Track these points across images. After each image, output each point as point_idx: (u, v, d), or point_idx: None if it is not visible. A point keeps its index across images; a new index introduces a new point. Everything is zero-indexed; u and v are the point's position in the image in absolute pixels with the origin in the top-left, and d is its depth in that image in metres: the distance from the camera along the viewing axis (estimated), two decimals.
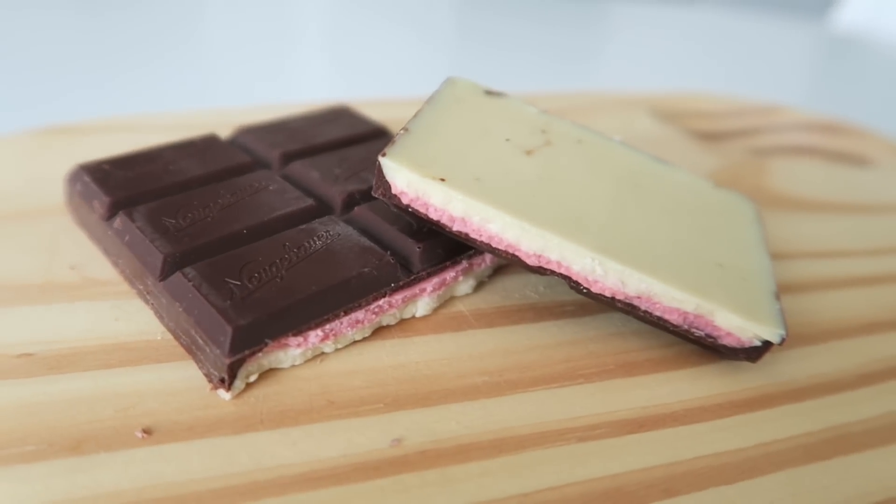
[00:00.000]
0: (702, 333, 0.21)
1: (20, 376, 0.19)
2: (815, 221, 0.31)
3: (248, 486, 0.17)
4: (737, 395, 0.21)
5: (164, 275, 0.21)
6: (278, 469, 0.17)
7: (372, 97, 0.38)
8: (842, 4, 0.78)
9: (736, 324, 0.21)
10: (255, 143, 0.29)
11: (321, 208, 0.25)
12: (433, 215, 0.21)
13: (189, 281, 0.20)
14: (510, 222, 0.21)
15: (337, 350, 0.21)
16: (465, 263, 0.23)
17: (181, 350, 0.20)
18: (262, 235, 0.23)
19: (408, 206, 0.22)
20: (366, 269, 0.21)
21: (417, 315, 0.23)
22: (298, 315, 0.20)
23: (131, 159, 0.26)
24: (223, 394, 0.19)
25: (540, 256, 0.21)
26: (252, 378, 0.19)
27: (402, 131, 0.23)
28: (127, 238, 0.22)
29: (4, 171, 0.29)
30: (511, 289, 0.25)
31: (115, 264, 0.24)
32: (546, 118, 0.27)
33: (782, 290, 0.26)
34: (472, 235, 0.21)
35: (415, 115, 0.24)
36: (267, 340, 0.19)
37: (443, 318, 0.23)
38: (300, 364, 0.20)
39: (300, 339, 0.20)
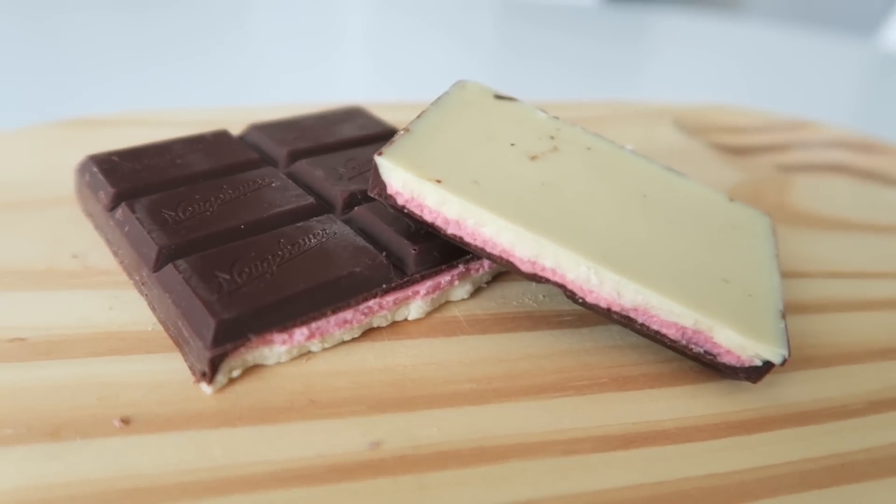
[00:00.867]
0: (700, 350, 0.20)
1: (9, 360, 0.19)
2: (837, 240, 0.30)
3: (219, 481, 0.17)
4: (734, 415, 0.20)
5: (158, 266, 0.21)
6: (251, 466, 0.17)
7: (398, 100, 0.38)
8: (892, 23, 0.76)
9: (736, 341, 0.20)
10: (264, 141, 0.29)
11: (322, 207, 0.24)
12: (428, 217, 0.21)
13: (180, 273, 0.20)
14: (504, 226, 0.20)
15: (324, 350, 0.21)
16: (461, 268, 0.23)
17: (170, 342, 0.20)
18: (259, 231, 0.23)
19: (403, 206, 0.21)
20: (357, 269, 0.21)
21: (410, 318, 0.22)
22: (284, 312, 0.20)
23: (140, 152, 0.27)
24: (205, 387, 0.19)
25: (534, 263, 0.21)
26: (235, 373, 0.19)
27: (402, 131, 0.23)
28: (126, 229, 0.23)
29: (21, 161, 0.30)
30: (509, 296, 0.24)
31: (116, 254, 0.24)
32: (557, 124, 0.27)
33: (795, 310, 0.25)
34: (467, 239, 0.21)
35: (418, 116, 0.24)
36: (250, 335, 0.19)
37: (436, 323, 0.23)
38: (285, 362, 0.20)
39: (285, 335, 0.20)
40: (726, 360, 0.20)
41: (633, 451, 0.19)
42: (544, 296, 0.24)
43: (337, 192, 0.25)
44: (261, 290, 0.20)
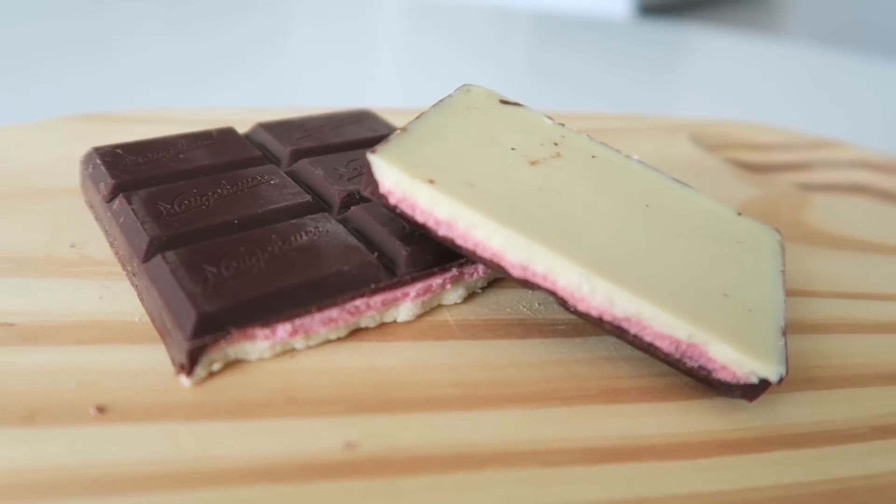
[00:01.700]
0: (695, 365, 0.20)
1: None
2: (851, 260, 0.29)
3: (187, 474, 0.16)
4: (727, 434, 0.19)
5: (148, 257, 0.21)
6: (222, 461, 0.17)
7: (412, 106, 0.38)
8: None
9: (732, 357, 0.19)
10: (269, 139, 0.29)
11: (319, 206, 0.24)
12: (419, 218, 0.21)
13: (167, 264, 0.20)
14: (495, 229, 0.20)
15: (308, 348, 0.21)
16: (454, 271, 0.23)
17: (156, 334, 0.20)
18: (252, 227, 0.22)
19: (395, 206, 0.21)
20: (345, 268, 0.21)
21: (399, 320, 0.22)
22: (267, 307, 0.19)
23: (145, 145, 0.27)
24: (183, 380, 0.19)
25: (526, 268, 0.20)
26: (216, 367, 0.19)
27: (399, 130, 0.22)
28: (122, 219, 0.23)
29: (32, 152, 0.30)
30: (503, 303, 0.24)
31: (112, 246, 0.24)
32: (562, 131, 0.26)
33: (802, 329, 0.24)
34: (458, 241, 0.21)
35: (418, 116, 0.23)
36: (231, 329, 0.19)
37: (426, 326, 0.22)
38: (268, 358, 0.20)
39: (267, 331, 0.19)
40: (721, 376, 0.20)
41: (617, 465, 0.18)
42: (539, 304, 0.24)
43: (335, 192, 0.25)
44: (245, 285, 0.20)
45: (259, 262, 0.20)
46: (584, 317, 0.20)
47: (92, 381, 0.19)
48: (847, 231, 0.32)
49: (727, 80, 0.62)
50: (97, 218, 0.25)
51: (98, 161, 0.25)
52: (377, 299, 0.21)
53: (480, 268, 0.23)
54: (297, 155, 0.28)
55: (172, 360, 0.19)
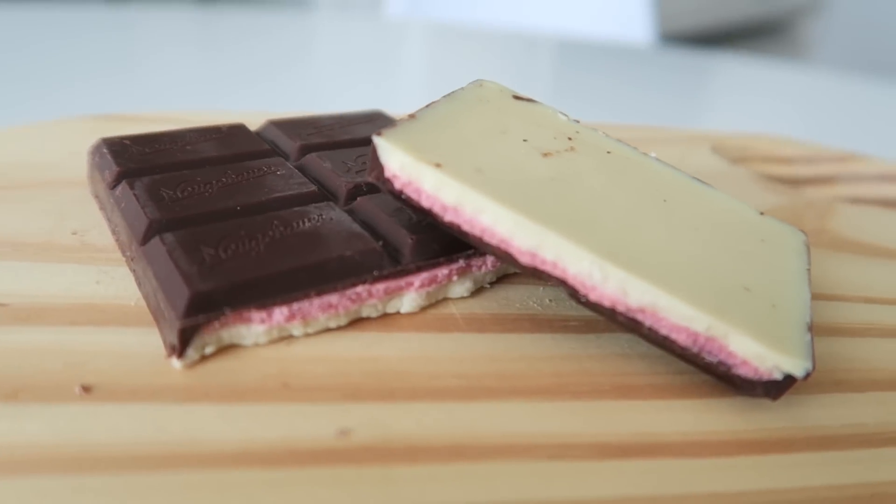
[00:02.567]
0: (714, 360, 0.19)
1: None
2: (880, 267, 0.28)
3: (172, 456, 0.15)
4: (748, 434, 0.18)
5: (146, 239, 0.21)
6: (208, 444, 0.16)
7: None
8: None
9: (753, 350, 0.18)
10: (279, 135, 0.28)
11: (324, 196, 0.24)
12: (425, 203, 0.20)
13: (165, 245, 0.19)
14: (503, 214, 0.19)
15: (307, 335, 0.20)
16: (461, 262, 0.22)
17: (150, 318, 0.20)
18: (254, 213, 0.22)
19: (400, 191, 0.20)
20: (347, 253, 0.20)
21: (402, 311, 0.21)
22: (264, 289, 0.19)
23: (153, 138, 0.26)
24: (174, 362, 0.18)
25: (534, 255, 0.19)
26: (208, 350, 0.18)
27: (407, 117, 0.22)
28: (123, 204, 0.22)
29: (46, 147, 0.30)
30: (513, 298, 0.23)
31: (114, 233, 0.23)
32: (577, 127, 0.25)
33: (829, 332, 0.23)
34: (465, 227, 0.20)
35: (427, 105, 0.23)
36: (226, 310, 0.18)
37: (430, 318, 0.21)
38: (264, 344, 0.19)
39: (264, 314, 0.19)
40: (742, 371, 0.18)
41: (629, 461, 0.17)
42: (550, 300, 0.23)
43: (341, 183, 0.24)
44: (243, 266, 0.19)
45: (258, 246, 0.20)
46: (596, 308, 0.19)
47: (80, 361, 0.18)
48: (874, 239, 0.30)
49: (748, 104, 0.61)
50: (101, 207, 0.25)
51: (105, 150, 0.25)
52: (379, 287, 0.20)
53: (489, 261, 0.23)
54: (305, 150, 0.27)
55: (165, 342, 0.18)
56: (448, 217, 0.20)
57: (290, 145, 0.28)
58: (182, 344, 0.18)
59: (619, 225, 0.20)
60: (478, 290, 0.23)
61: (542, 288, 0.23)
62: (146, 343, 0.19)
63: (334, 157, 0.26)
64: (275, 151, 0.27)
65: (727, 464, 0.17)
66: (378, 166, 0.20)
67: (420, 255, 0.21)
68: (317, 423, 0.17)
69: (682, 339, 0.19)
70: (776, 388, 0.18)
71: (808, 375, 0.18)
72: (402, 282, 0.21)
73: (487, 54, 0.67)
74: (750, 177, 0.37)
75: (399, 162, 0.20)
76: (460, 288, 0.22)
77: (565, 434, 0.17)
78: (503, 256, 0.20)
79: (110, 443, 0.16)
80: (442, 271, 0.21)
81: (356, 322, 0.21)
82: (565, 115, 0.26)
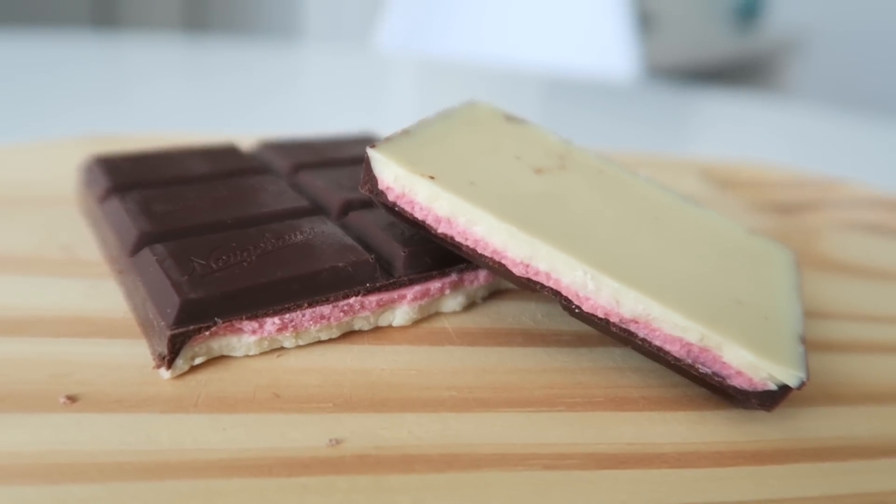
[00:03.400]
0: (708, 371, 0.19)
1: None
2: (868, 287, 0.28)
3: (158, 465, 0.15)
4: (744, 445, 0.18)
5: (136, 251, 0.20)
6: (196, 453, 0.16)
7: None
8: None
9: (747, 360, 0.18)
10: (271, 155, 0.29)
11: (316, 211, 0.24)
12: (418, 214, 0.20)
13: (155, 255, 0.19)
14: (497, 225, 0.19)
15: (298, 347, 0.19)
16: (454, 276, 0.22)
17: (138, 330, 0.19)
18: (246, 227, 0.22)
19: (394, 203, 0.20)
20: (340, 264, 0.20)
21: (395, 324, 0.21)
22: (256, 299, 0.18)
23: (145, 156, 0.26)
24: (163, 372, 0.18)
25: (528, 266, 0.19)
26: (198, 360, 0.18)
27: (401, 132, 0.22)
28: (113, 218, 0.22)
29: (39, 166, 0.30)
30: (505, 313, 0.23)
31: (103, 247, 0.23)
32: (568, 147, 0.26)
33: (820, 348, 0.23)
34: (458, 239, 0.20)
35: (420, 121, 0.23)
36: (217, 320, 0.18)
37: (422, 332, 0.21)
38: (255, 355, 0.19)
39: (255, 324, 0.18)
40: (736, 382, 0.18)
41: (625, 471, 0.16)
42: (543, 315, 0.23)
43: (334, 198, 0.24)
44: (234, 276, 0.19)
45: (250, 257, 0.20)
46: (590, 319, 0.19)
47: (66, 371, 0.18)
48: (861, 261, 0.31)
49: (732, 137, 0.62)
50: (92, 223, 0.25)
51: (96, 166, 0.25)
52: (372, 299, 0.20)
53: (481, 275, 0.22)
54: (298, 168, 0.27)
55: (153, 352, 0.18)
56: (441, 229, 0.20)
57: (282, 164, 0.28)
58: (171, 353, 0.17)
59: (611, 238, 0.20)
60: (470, 305, 0.23)
61: (534, 303, 0.23)
62: (133, 354, 0.18)
63: (326, 174, 0.26)
64: (267, 169, 0.27)
65: (723, 474, 0.17)
66: (371, 178, 0.20)
67: (413, 268, 0.21)
68: (308, 433, 0.16)
69: (675, 349, 0.19)
70: (771, 399, 0.18)
71: (802, 385, 0.18)
72: (394, 294, 0.21)
73: (475, 89, 0.68)
74: (737, 202, 0.37)
75: (392, 174, 0.20)
76: (453, 302, 0.22)
77: (560, 444, 0.17)
78: (496, 268, 0.20)
79: (95, 451, 0.15)
80: (434, 285, 0.21)
81: (348, 335, 0.20)
82: (557, 135, 0.26)
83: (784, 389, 0.18)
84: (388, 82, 0.69)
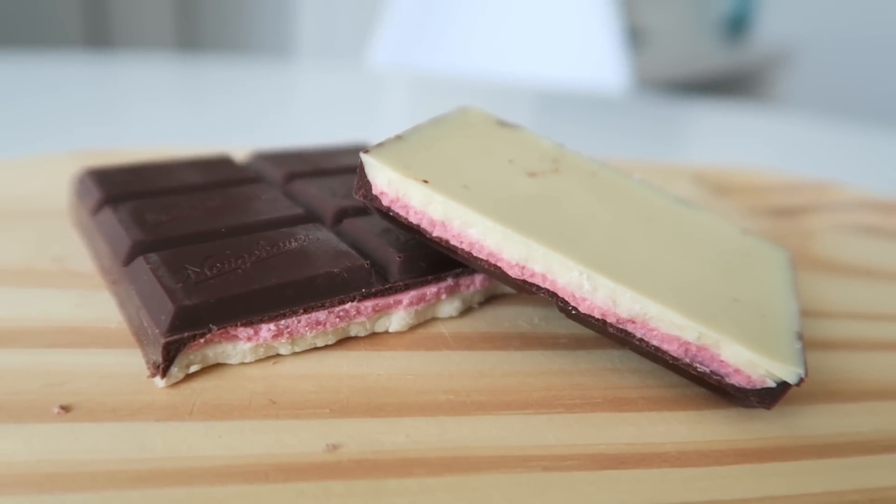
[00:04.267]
0: (706, 370, 0.18)
1: None
2: (863, 286, 0.28)
3: (153, 472, 0.15)
4: (744, 443, 0.18)
5: (129, 260, 0.20)
6: (191, 460, 0.15)
7: None
8: None
9: (745, 358, 0.18)
10: (264, 166, 0.28)
11: (311, 219, 0.24)
12: (413, 219, 0.20)
13: (148, 264, 0.19)
14: (491, 228, 0.19)
15: (294, 353, 0.19)
16: (450, 281, 0.22)
17: (132, 339, 0.19)
18: (240, 235, 0.22)
19: (388, 208, 0.20)
20: (335, 270, 0.20)
21: (391, 330, 0.21)
22: (251, 305, 0.18)
23: (137, 168, 0.26)
24: (158, 381, 0.17)
25: (524, 268, 0.19)
26: (193, 368, 0.18)
27: (394, 137, 0.22)
28: (106, 228, 0.22)
29: (29, 179, 0.30)
30: (501, 317, 0.22)
31: (96, 258, 0.23)
32: (561, 151, 0.26)
33: (818, 346, 0.23)
34: (453, 242, 0.20)
35: (413, 127, 0.23)
36: (211, 326, 0.18)
37: (419, 337, 0.21)
38: (250, 362, 0.19)
39: (250, 331, 0.18)
40: (735, 380, 0.18)
41: (625, 471, 0.16)
42: (539, 319, 0.22)
43: (328, 206, 0.24)
44: (229, 283, 0.19)
45: (245, 264, 0.20)
46: (587, 321, 0.19)
47: (59, 381, 0.17)
48: (856, 261, 0.31)
49: (723, 146, 0.63)
50: (84, 234, 0.25)
51: (88, 178, 0.25)
52: (368, 305, 0.20)
53: (477, 280, 0.22)
54: (291, 177, 0.27)
55: (147, 361, 0.18)
56: (436, 232, 0.20)
57: (275, 174, 0.28)
58: (166, 361, 0.17)
59: (606, 239, 0.20)
60: (466, 310, 0.23)
61: (530, 307, 0.23)
62: (127, 363, 0.18)
63: (320, 183, 0.26)
64: (260, 178, 0.27)
65: (724, 472, 0.17)
66: (365, 184, 0.20)
67: (408, 273, 0.21)
68: (305, 439, 0.16)
69: (673, 349, 0.18)
70: (770, 397, 0.18)
71: (800, 382, 0.17)
72: (390, 300, 0.20)
73: (468, 103, 0.68)
74: (731, 206, 0.37)
75: (386, 179, 0.20)
76: (449, 307, 0.22)
77: (559, 445, 0.17)
78: (492, 271, 0.19)
79: (88, 460, 0.15)
80: (430, 289, 0.21)
81: (344, 341, 0.20)
82: (549, 139, 0.26)
83: (783, 386, 0.18)
84: (381, 98, 0.69)
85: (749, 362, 0.18)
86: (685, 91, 1.26)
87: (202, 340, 0.18)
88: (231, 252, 0.20)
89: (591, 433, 0.17)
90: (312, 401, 0.18)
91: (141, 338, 0.19)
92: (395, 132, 0.22)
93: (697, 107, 0.75)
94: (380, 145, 0.21)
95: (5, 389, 0.17)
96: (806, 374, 0.18)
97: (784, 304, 0.21)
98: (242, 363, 0.19)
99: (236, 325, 0.18)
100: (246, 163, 0.30)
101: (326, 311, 0.19)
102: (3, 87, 0.53)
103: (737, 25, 1.76)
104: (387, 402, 0.18)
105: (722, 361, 0.18)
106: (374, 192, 0.20)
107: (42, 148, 0.37)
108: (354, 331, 0.20)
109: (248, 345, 0.18)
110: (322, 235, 0.22)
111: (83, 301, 0.21)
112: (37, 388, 0.17)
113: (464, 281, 0.22)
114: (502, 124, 0.26)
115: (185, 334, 0.17)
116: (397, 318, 0.21)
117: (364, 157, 0.20)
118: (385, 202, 0.20)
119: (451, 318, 0.22)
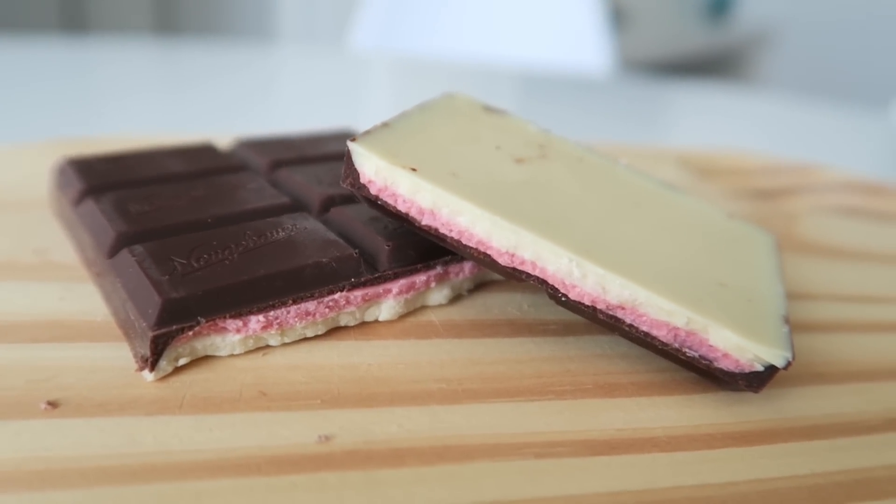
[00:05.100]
0: (695, 354, 0.19)
1: None
2: (848, 268, 0.28)
3: (143, 467, 0.15)
4: (733, 426, 0.18)
5: (114, 252, 0.20)
6: (182, 454, 0.15)
7: None
8: None
9: (733, 342, 0.18)
10: (248, 153, 0.28)
11: (297, 207, 0.23)
12: (401, 207, 0.20)
13: (134, 257, 0.19)
14: (480, 215, 0.19)
15: (284, 344, 0.19)
16: (439, 269, 0.22)
17: (118, 332, 0.19)
18: (227, 225, 0.21)
19: (376, 197, 0.20)
20: (324, 260, 0.20)
21: (381, 319, 0.21)
22: (239, 296, 0.18)
23: (119, 157, 0.26)
24: (146, 374, 0.17)
25: (513, 255, 0.19)
26: (182, 361, 0.18)
27: (380, 124, 0.22)
28: (89, 220, 0.22)
29: (6, 169, 0.29)
30: (491, 304, 0.22)
31: (79, 250, 0.23)
32: (547, 136, 0.26)
33: (803, 328, 0.23)
34: (442, 230, 0.20)
35: (400, 114, 0.23)
36: (200, 318, 0.17)
37: (409, 326, 0.21)
38: (239, 354, 0.19)
39: (239, 322, 0.18)
40: (723, 364, 0.18)
41: (616, 457, 0.16)
42: (529, 305, 0.23)
43: (314, 194, 0.24)
44: (216, 274, 0.18)
45: (232, 255, 0.19)
46: (577, 307, 0.19)
47: (45, 377, 0.17)
48: (840, 243, 0.31)
49: (707, 128, 0.63)
50: (66, 225, 0.24)
51: (69, 168, 0.24)
52: (357, 294, 0.20)
53: (466, 267, 0.22)
54: (276, 165, 0.27)
55: (135, 354, 0.18)
56: (425, 221, 0.20)
57: (260, 161, 0.27)
58: (154, 355, 0.17)
59: (594, 225, 0.20)
60: (456, 298, 0.23)
61: (520, 294, 0.23)
62: (115, 357, 0.18)
63: (306, 171, 0.26)
64: (245, 167, 0.27)
65: (714, 456, 0.17)
66: (353, 172, 0.20)
67: (397, 262, 0.21)
68: (296, 430, 0.16)
69: (662, 334, 0.19)
70: (758, 380, 0.18)
71: (788, 365, 0.18)
72: (379, 289, 0.20)
73: (452, 85, 0.67)
74: (716, 189, 0.37)
75: (374, 167, 0.20)
76: (438, 295, 0.22)
77: (551, 432, 0.17)
78: (481, 258, 0.19)
79: (78, 456, 0.15)
80: (420, 278, 0.21)
81: (334, 331, 0.20)
82: (536, 125, 0.26)
83: (770, 370, 0.18)
84: (365, 82, 0.69)
85: (737, 346, 0.18)
86: (668, 72, 1.26)
87: (190, 333, 0.18)
88: (218, 243, 0.20)
89: (582, 419, 0.18)
90: (303, 392, 0.18)
91: (128, 331, 0.18)
92: (379, 117, 0.22)
93: (681, 87, 0.75)
94: (367, 133, 0.21)
95: None
96: (793, 358, 0.18)
97: (770, 287, 0.21)
98: (232, 355, 0.19)
99: (225, 317, 0.18)
100: (229, 150, 0.29)
101: (316, 302, 0.19)
102: None
103: (719, 6, 1.76)
104: (378, 391, 0.18)
105: (710, 346, 0.18)
106: (362, 180, 0.20)
107: (18, 136, 0.36)
108: (344, 320, 0.20)
109: (238, 336, 0.18)
110: (309, 225, 0.22)
111: (67, 294, 0.21)
112: (22, 383, 0.17)
113: (453, 268, 0.22)
114: (489, 110, 0.26)
115: (174, 327, 0.17)
116: (387, 306, 0.21)
117: (351, 146, 0.20)
118: (373, 191, 0.20)
119: (440, 305, 0.22)
